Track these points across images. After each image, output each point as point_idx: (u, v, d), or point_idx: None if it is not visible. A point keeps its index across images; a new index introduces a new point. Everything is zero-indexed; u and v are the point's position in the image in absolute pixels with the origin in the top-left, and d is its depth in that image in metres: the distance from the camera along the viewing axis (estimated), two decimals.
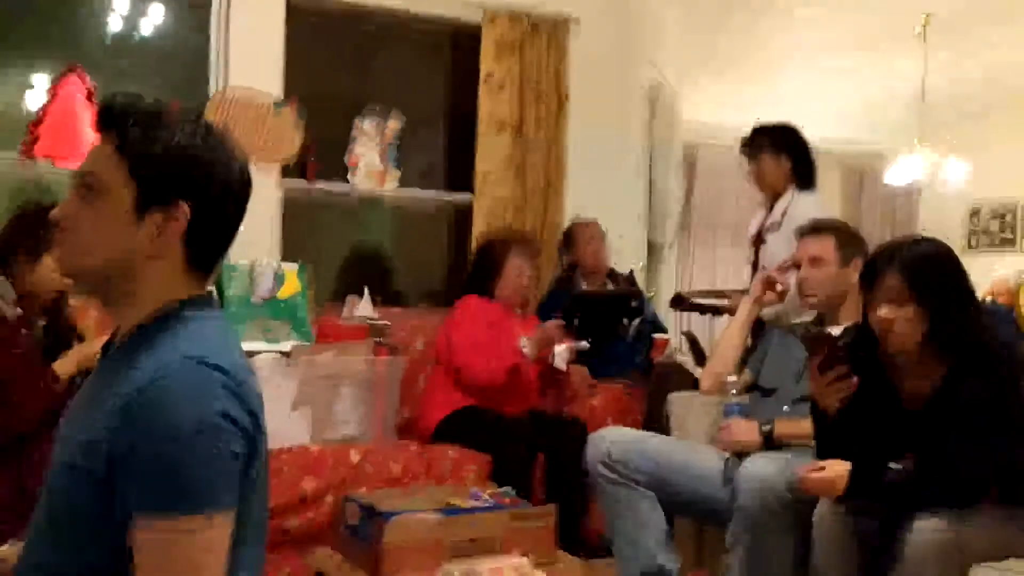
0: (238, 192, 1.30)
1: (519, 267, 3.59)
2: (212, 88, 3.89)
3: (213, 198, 1.26)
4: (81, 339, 2.75)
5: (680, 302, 4.17)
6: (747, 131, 3.61)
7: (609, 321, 3.75)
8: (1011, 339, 2.21)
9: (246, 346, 3.13)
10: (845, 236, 2.71)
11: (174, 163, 1.23)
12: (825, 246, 2.67)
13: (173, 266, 1.26)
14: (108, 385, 1.20)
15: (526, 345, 3.38)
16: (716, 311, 4.01)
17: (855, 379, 2.14)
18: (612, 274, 4.31)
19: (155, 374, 1.15)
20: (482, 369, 3.38)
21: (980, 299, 2.52)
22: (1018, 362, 2.11)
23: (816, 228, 2.75)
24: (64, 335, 2.72)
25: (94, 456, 1.15)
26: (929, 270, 2.12)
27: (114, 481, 1.14)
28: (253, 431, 1.20)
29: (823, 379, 2.16)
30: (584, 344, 3.54)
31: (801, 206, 3.36)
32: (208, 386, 1.15)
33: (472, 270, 3.74)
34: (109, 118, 1.25)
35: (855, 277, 2.49)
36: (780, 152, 3.48)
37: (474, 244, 4.01)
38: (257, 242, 3.56)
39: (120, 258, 1.24)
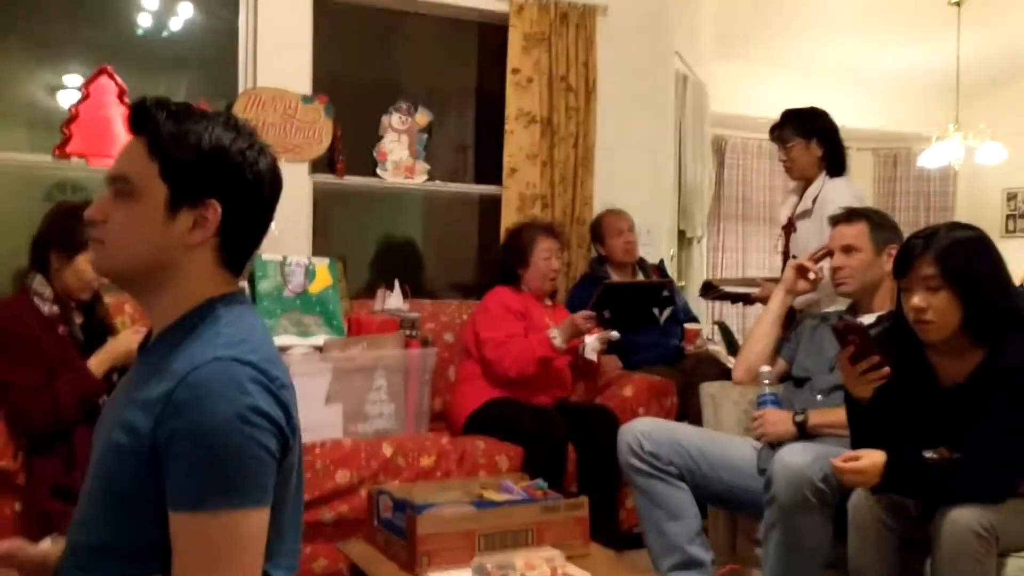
0: (268, 189, 1.31)
1: (546, 254, 3.58)
2: (241, 85, 3.92)
3: (244, 196, 1.27)
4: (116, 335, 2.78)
5: (709, 290, 4.13)
6: (776, 118, 3.57)
7: (639, 311, 3.72)
8: None
9: (278, 340, 3.18)
10: (878, 223, 2.68)
11: (205, 163, 1.24)
12: (858, 233, 2.64)
13: (205, 263, 1.28)
14: (143, 383, 1.21)
15: (556, 336, 3.37)
16: (745, 299, 3.97)
17: (886, 369, 2.11)
18: (642, 264, 4.30)
19: (188, 371, 1.16)
20: (512, 360, 3.38)
21: (1017, 285, 2.47)
22: None
23: (849, 215, 2.71)
24: (100, 332, 2.76)
25: (137, 438, 1.16)
26: (964, 257, 2.09)
27: (160, 462, 1.15)
28: (286, 426, 1.21)
29: (854, 370, 2.14)
30: (614, 334, 3.52)
31: (832, 192, 3.32)
32: (240, 382, 1.16)
33: (502, 260, 3.74)
34: (140, 119, 1.27)
35: (889, 265, 2.46)
36: (810, 137, 3.43)
37: (503, 236, 4.01)
38: (288, 237, 3.59)
39: (153, 257, 1.25)
